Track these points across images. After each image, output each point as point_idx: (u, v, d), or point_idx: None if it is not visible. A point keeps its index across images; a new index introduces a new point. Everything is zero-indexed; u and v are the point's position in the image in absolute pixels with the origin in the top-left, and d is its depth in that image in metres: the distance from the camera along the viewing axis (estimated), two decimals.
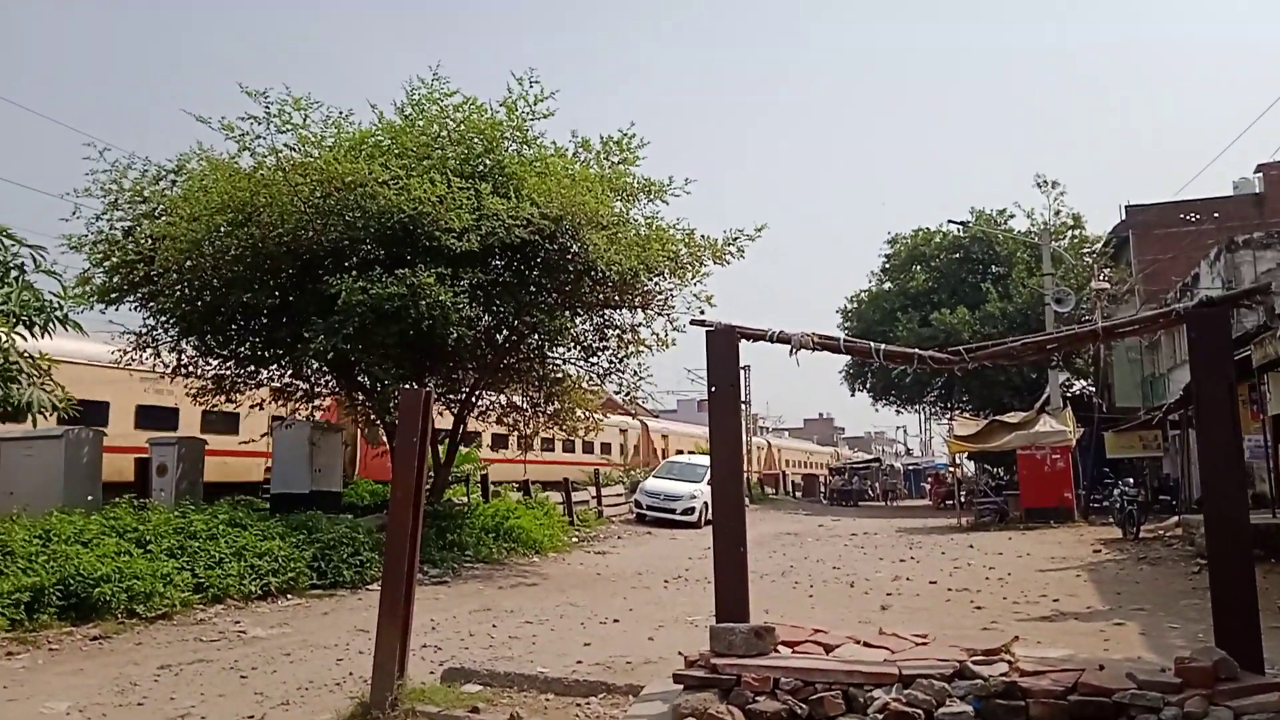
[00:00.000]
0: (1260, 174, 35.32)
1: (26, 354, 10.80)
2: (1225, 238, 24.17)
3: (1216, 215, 34.52)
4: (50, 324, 11.20)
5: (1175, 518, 20.08)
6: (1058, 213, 37.99)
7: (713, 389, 5.58)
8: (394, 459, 6.85)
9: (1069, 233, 38.99)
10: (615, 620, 10.42)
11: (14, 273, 11.06)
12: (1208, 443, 4.76)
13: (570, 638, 9.32)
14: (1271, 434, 17.55)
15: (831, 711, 4.60)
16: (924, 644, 5.26)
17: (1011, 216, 40.81)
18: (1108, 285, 32.35)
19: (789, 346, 5.64)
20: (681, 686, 4.98)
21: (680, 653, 5.75)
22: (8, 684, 7.51)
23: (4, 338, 10.43)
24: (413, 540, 6.37)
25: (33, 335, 10.96)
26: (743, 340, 5.73)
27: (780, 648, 5.15)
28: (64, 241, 16.06)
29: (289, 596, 12.05)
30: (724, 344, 5.60)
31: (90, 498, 13.59)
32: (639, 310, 17.76)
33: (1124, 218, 36.96)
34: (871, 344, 5.75)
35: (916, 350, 5.55)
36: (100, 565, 10.06)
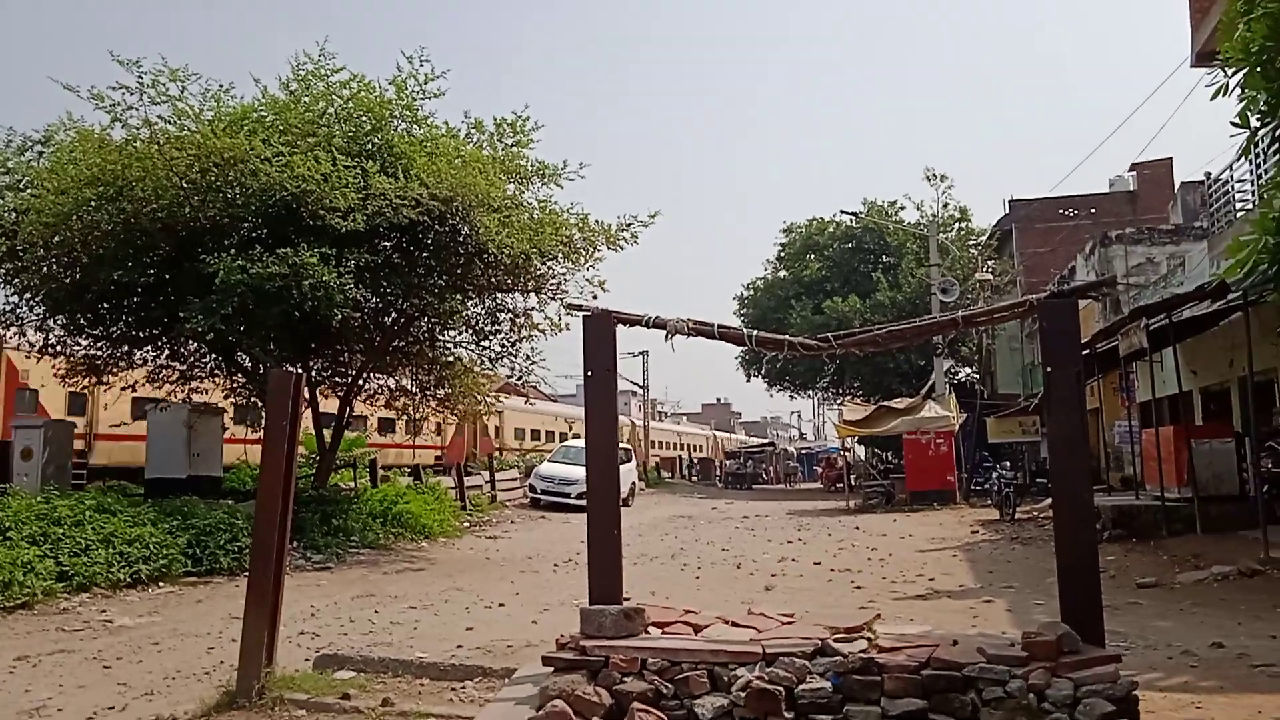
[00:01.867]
0: (1134, 173, 36.99)
1: None
2: (1100, 233, 25.26)
3: (1093, 210, 36.04)
4: None
5: (1049, 500, 20.99)
6: (945, 205, 39.18)
7: (589, 373, 5.56)
8: (263, 442, 6.66)
9: (956, 225, 40.23)
10: (501, 604, 10.38)
11: None
12: (1056, 426, 4.96)
13: (453, 622, 9.24)
14: (1139, 420, 18.47)
15: (696, 690, 4.66)
16: (790, 623, 5.37)
17: (902, 208, 41.91)
18: (991, 276, 33.54)
19: (665, 331, 5.67)
20: (552, 669, 4.98)
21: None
22: None
23: None
24: (282, 525, 6.22)
25: None
26: (620, 325, 5.73)
27: (650, 629, 5.18)
28: None
29: (161, 584, 11.64)
30: (600, 328, 5.59)
31: None
32: (531, 294, 17.65)
33: (1007, 211, 38.34)
34: (745, 330, 5.83)
35: (786, 337, 5.64)
36: None
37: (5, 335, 16.23)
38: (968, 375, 39.93)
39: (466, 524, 21.01)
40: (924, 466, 25.77)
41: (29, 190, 14.94)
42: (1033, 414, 26.60)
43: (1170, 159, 36.57)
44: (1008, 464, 23.06)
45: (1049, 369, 4.93)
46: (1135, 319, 14.48)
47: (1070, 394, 4.88)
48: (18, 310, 16.01)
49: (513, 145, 16.85)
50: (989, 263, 35.83)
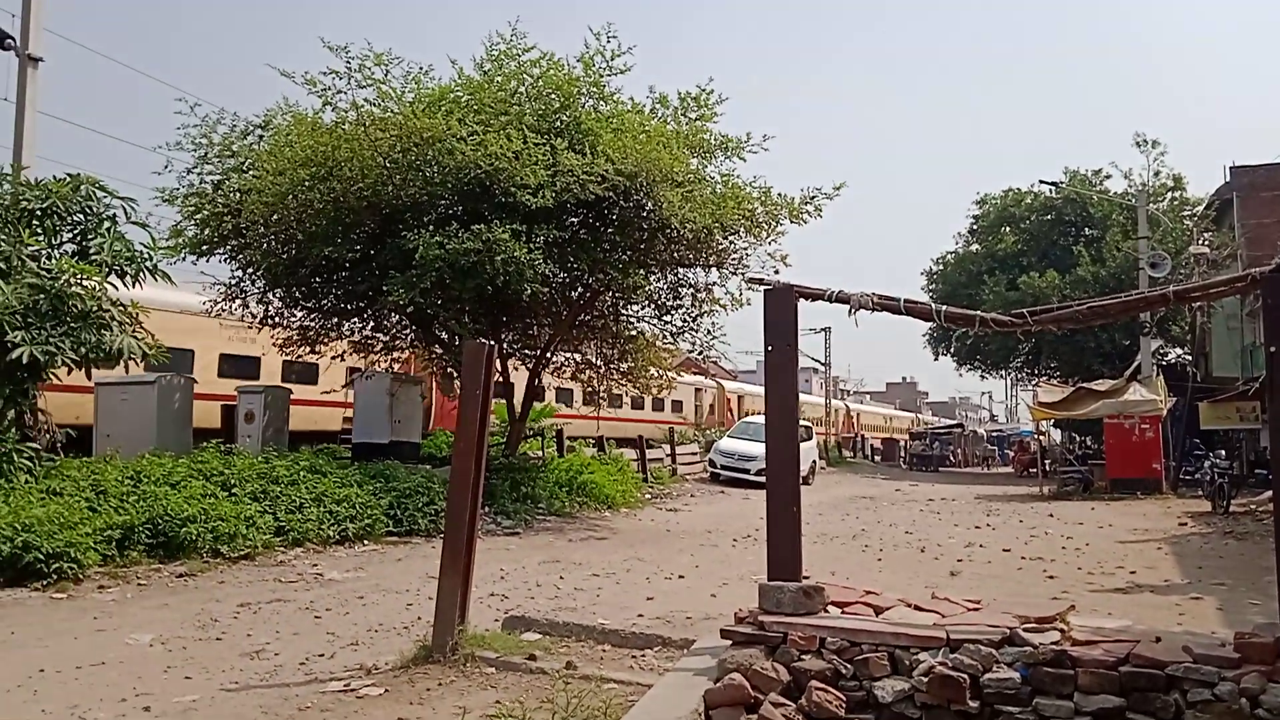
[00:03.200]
0: None
1: (119, 302, 11.26)
2: None
3: None
4: (141, 274, 11.69)
5: (1269, 493, 19.36)
6: (1157, 174, 36.49)
7: (769, 349, 5.53)
8: (459, 410, 6.98)
9: (1168, 195, 37.44)
10: (680, 576, 10.52)
11: (106, 224, 11.55)
12: (1279, 412, 4.58)
13: (634, 591, 9.44)
14: None
15: (876, 673, 4.59)
16: (976, 609, 5.20)
17: (1108, 177, 39.31)
18: (1207, 250, 31.00)
19: (848, 306, 5.56)
20: (730, 642, 5.02)
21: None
22: (98, 615, 7.95)
23: (96, 286, 10.90)
24: (474, 489, 6.51)
25: (124, 284, 11.44)
26: (802, 300, 5.66)
27: (830, 608, 5.14)
28: (157, 194, 16.67)
29: (365, 542, 12.45)
30: (781, 303, 5.54)
31: (181, 442, 14.17)
32: (713, 269, 17.70)
33: (1228, 179, 35.21)
34: (932, 305, 5.63)
35: (978, 313, 5.41)
36: (187, 506, 10.53)
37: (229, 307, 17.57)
38: (1178, 356, 37.20)
39: (648, 496, 21.38)
40: (1127, 453, 24.25)
41: (251, 172, 16.09)
42: (1252, 399, 24.49)
43: None
44: (1222, 452, 21.38)
45: (1273, 349, 4.54)
46: None
47: None
48: (241, 284, 17.36)
49: (696, 119, 16.87)
50: (1206, 235, 33.16)
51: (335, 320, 18.09)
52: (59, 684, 5.88)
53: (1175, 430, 26.18)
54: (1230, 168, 35.09)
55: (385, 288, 14.74)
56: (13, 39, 14.49)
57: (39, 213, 11.33)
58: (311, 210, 15.19)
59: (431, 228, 14.57)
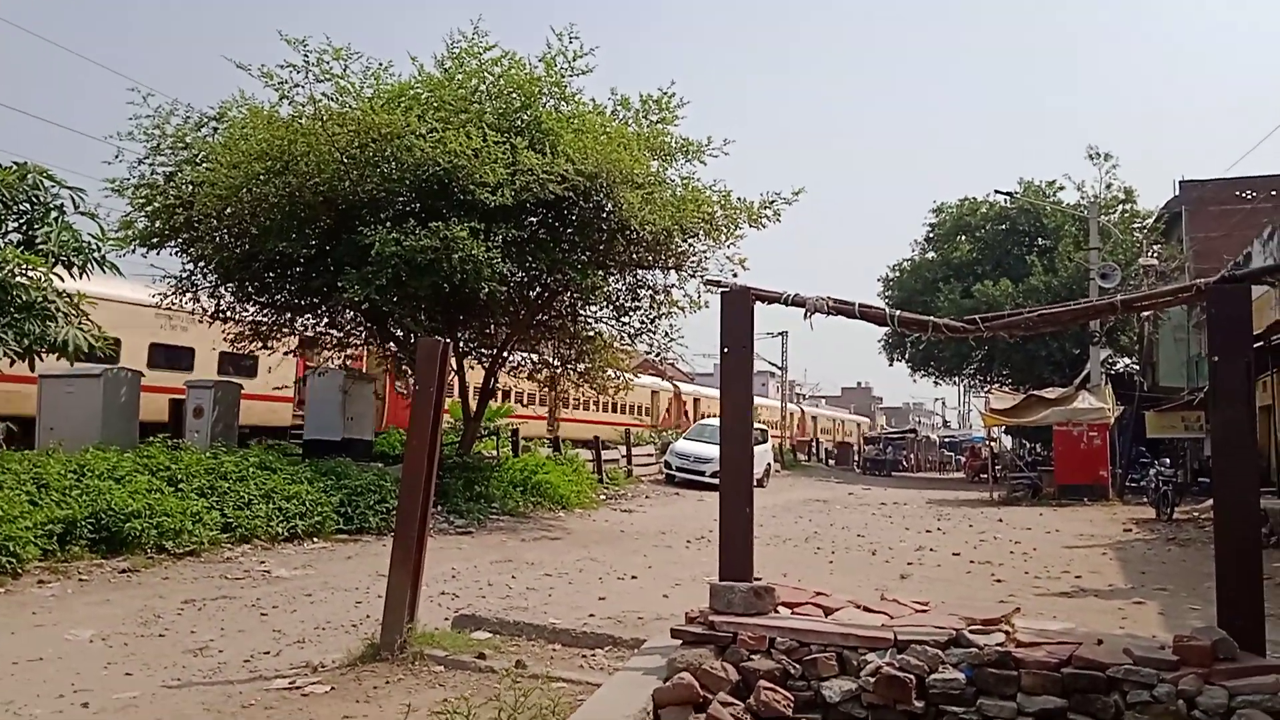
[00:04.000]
0: None
1: (64, 293, 11.01)
2: None
3: (1275, 193, 33.47)
4: (89, 265, 11.43)
5: (1211, 500, 19.80)
6: (1109, 186, 37.21)
7: (725, 351, 5.55)
8: (412, 408, 6.93)
9: (1119, 207, 38.19)
10: (633, 576, 10.52)
11: (54, 213, 11.28)
12: (1221, 421, 4.67)
13: (586, 591, 9.42)
14: None
15: (824, 673, 4.62)
16: (924, 611, 5.25)
17: (1061, 189, 40.02)
18: (1156, 262, 31.60)
19: (804, 310, 5.60)
20: (680, 642, 5.02)
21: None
22: (36, 610, 7.78)
23: (41, 277, 10.64)
24: (426, 487, 6.46)
25: (71, 276, 11.18)
26: (759, 303, 5.69)
27: (780, 608, 5.16)
28: (107, 185, 16.34)
29: (315, 540, 12.30)
30: (738, 306, 5.56)
31: (127, 436, 13.90)
32: (672, 271, 17.73)
33: (1177, 193, 36.01)
34: (887, 310, 5.69)
35: (932, 318, 5.48)
36: (132, 501, 10.32)
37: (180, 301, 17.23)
38: (1126, 366, 37.90)
39: (603, 497, 21.36)
40: (1075, 460, 24.66)
41: (205, 164, 15.79)
42: (1197, 409, 25.05)
43: None
44: (1167, 461, 21.83)
45: (1215, 359, 4.64)
46: None
47: (1238, 386, 4.59)
48: (192, 277, 17.06)
49: (658, 122, 16.88)
50: (1155, 247, 33.83)
51: (288, 316, 17.85)
52: None
53: (1122, 438, 26.68)
54: (1180, 182, 35.87)
55: (340, 284, 14.57)
56: None
57: None
58: (266, 204, 14.97)
59: (388, 224, 14.44)
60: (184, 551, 10.45)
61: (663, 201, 15.91)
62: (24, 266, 10.60)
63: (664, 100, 16.82)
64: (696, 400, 45.08)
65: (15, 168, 11.45)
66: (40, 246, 11.04)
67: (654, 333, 18.72)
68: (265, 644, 6.80)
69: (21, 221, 11.46)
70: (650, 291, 18.40)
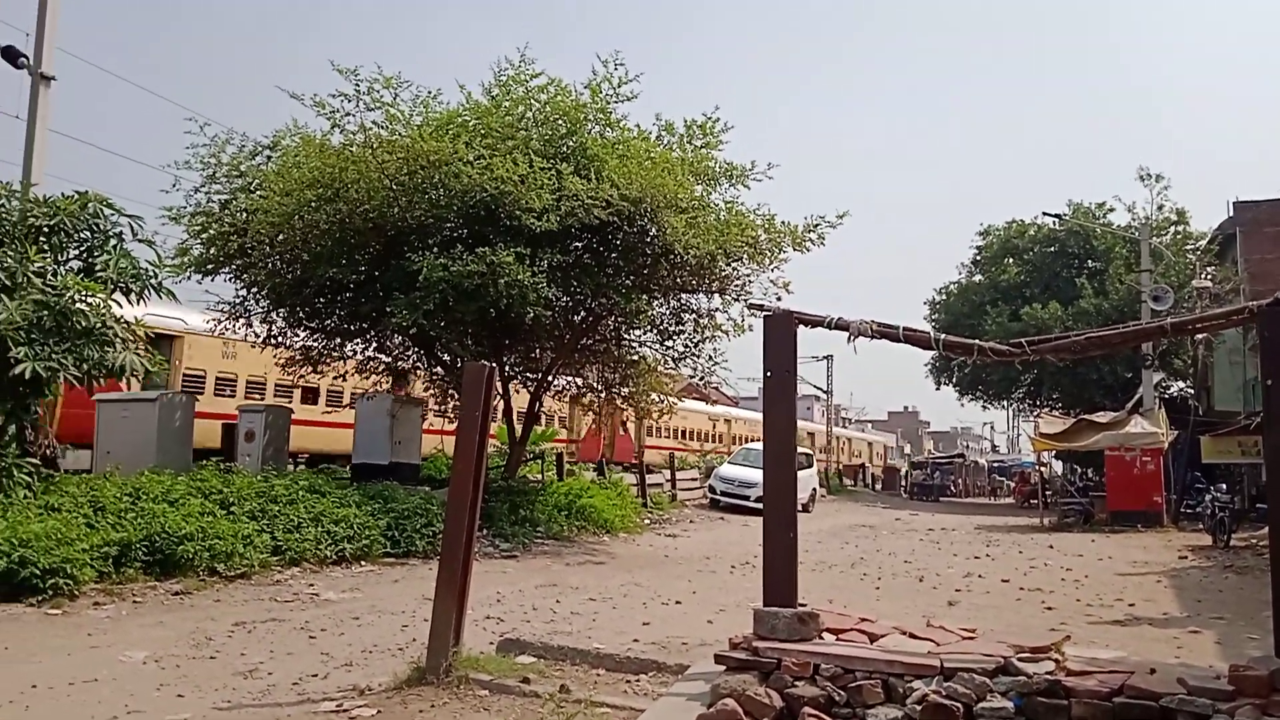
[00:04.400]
0: None
1: (122, 319, 11.29)
2: None
3: None
4: (146, 291, 11.74)
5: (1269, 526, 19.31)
6: (1160, 207, 36.69)
7: (768, 374, 5.56)
8: (458, 432, 7.00)
9: (1171, 228, 37.56)
10: (677, 602, 10.49)
11: (113, 241, 11.61)
12: (1276, 445, 4.59)
13: (631, 616, 9.42)
14: None
15: (870, 700, 4.59)
16: (971, 638, 5.19)
17: (1111, 210, 39.51)
18: (1211, 284, 31.04)
19: (847, 334, 5.59)
20: (724, 668, 5.01)
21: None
22: (92, 632, 7.95)
23: (100, 303, 10.93)
24: (471, 512, 6.51)
25: (129, 302, 11.48)
26: (802, 326, 5.70)
27: (825, 634, 5.13)
28: (164, 213, 16.75)
29: (362, 563, 12.43)
30: (781, 329, 5.58)
31: (181, 460, 14.18)
32: (715, 295, 17.75)
33: (1231, 214, 35.30)
34: (931, 333, 5.66)
35: (976, 341, 5.44)
36: (185, 524, 10.51)
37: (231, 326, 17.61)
38: (1180, 390, 37.16)
39: (647, 521, 21.33)
40: (1127, 485, 24.19)
41: (258, 192, 16.16)
42: (1254, 433, 24.40)
43: None
44: (1224, 486, 21.31)
45: (1269, 382, 4.56)
46: None
47: None
48: (245, 303, 17.41)
49: (702, 147, 16.98)
50: (1209, 269, 33.24)
51: (338, 341, 18.13)
52: (51, 700, 5.87)
53: (1177, 463, 26.12)
54: (1233, 203, 35.19)
55: (389, 309, 14.78)
56: (26, 57, 14.60)
57: (46, 230, 11.37)
58: (317, 231, 15.27)
59: (436, 250, 14.62)
60: (235, 574, 10.61)
61: (706, 226, 15.97)
62: (84, 293, 10.91)
63: (707, 125, 16.92)
64: (729, 421, 44.92)
65: (77, 196, 11.83)
66: (100, 274, 11.38)
67: (698, 356, 18.75)
68: (313, 667, 6.89)
69: (82, 249, 11.82)
70: (694, 315, 18.44)
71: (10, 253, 10.73)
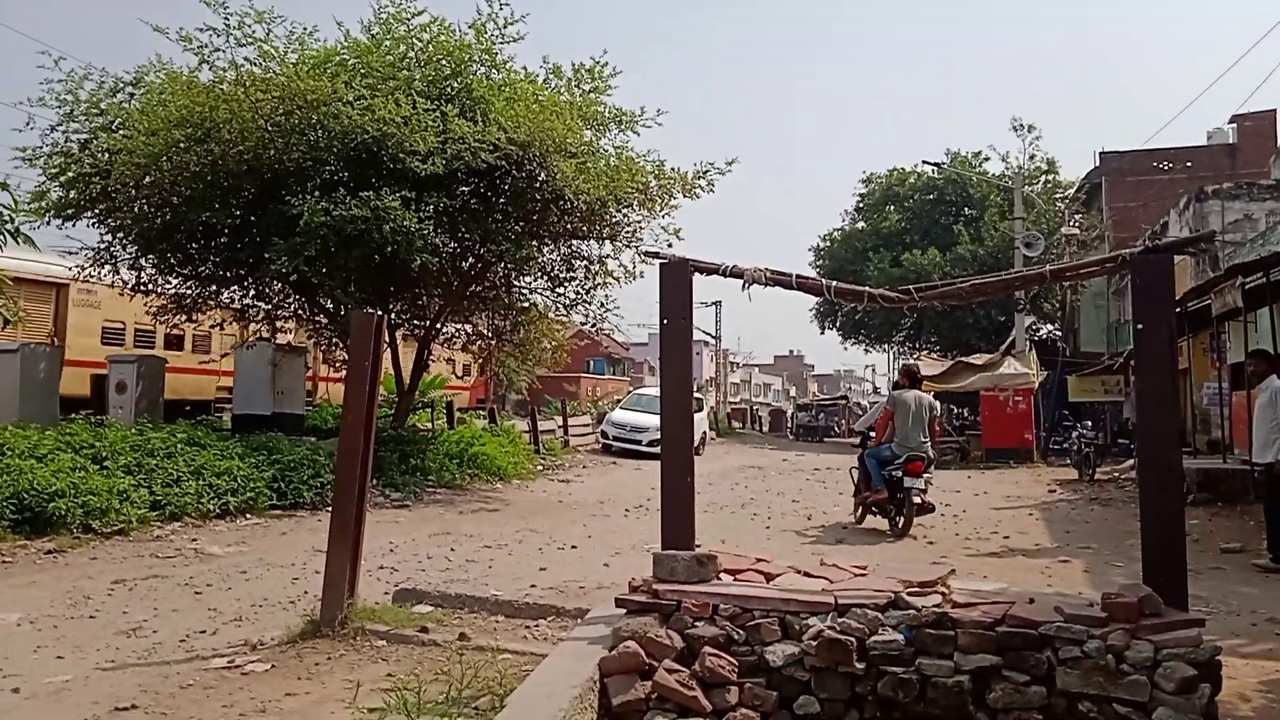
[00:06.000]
0: (1234, 125, 35.35)
1: None
2: (1195, 187, 24.28)
3: (1189, 164, 34.59)
4: (2, 237, 10.99)
5: (1131, 461, 20.49)
6: (1032, 157, 38.10)
7: (664, 321, 5.55)
8: (346, 382, 6.82)
9: (1043, 177, 39.09)
10: (573, 546, 10.53)
11: None
12: (1146, 385, 4.82)
13: (527, 563, 9.41)
14: (1229, 382, 17.87)
15: (768, 638, 4.69)
16: (863, 575, 5.35)
17: (986, 159, 40.85)
18: (1078, 231, 32.50)
19: (741, 281, 5.62)
20: (624, 610, 5.05)
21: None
22: None
23: None
24: (364, 462, 6.38)
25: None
26: (697, 274, 5.70)
27: (722, 575, 5.21)
28: (18, 154, 15.71)
29: (248, 516, 12.06)
30: (677, 276, 5.56)
31: (47, 413, 13.47)
32: (607, 241, 17.67)
33: (1097, 164, 37.00)
34: (823, 281, 5.74)
35: (866, 289, 5.54)
36: (55, 480, 10.00)
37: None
38: (1049, 332, 38.99)
39: (540, 467, 21.34)
40: (1001, 424, 25.34)
41: (121, 132, 15.26)
42: (1116, 373, 25.91)
43: (1274, 111, 34.74)
44: (1089, 424, 22.56)
45: (1140, 326, 4.78)
46: (1231, 277, 13.93)
47: (1162, 352, 4.73)
48: (111, 249, 16.51)
49: (590, 91, 16.74)
50: (1076, 217, 34.77)
51: (213, 288, 17.38)
52: None
53: (1046, 402, 27.48)
54: (1100, 153, 36.84)
55: (267, 255, 14.23)
56: None
57: None
58: (187, 173, 14.53)
59: (317, 194, 14.10)
60: (112, 531, 10.16)
61: (596, 171, 15.79)
62: None
63: (596, 69, 16.67)
64: None
65: None
66: None
67: (589, 303, 18.69)
68: (201, 623, 6.67)
69: None
70: (585, 262, 18.33)
71: None
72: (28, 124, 16.15)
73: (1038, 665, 4.39)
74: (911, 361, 20.63)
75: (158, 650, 5.98)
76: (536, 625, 6.45)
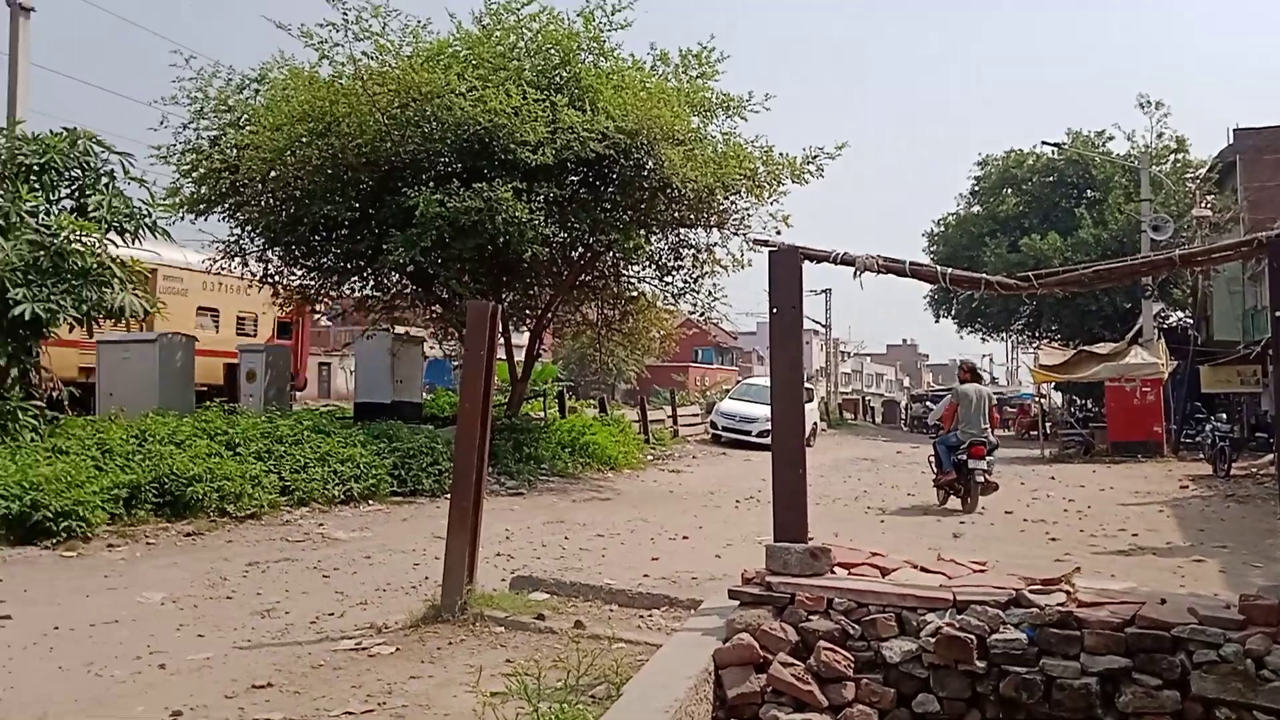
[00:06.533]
0: None
1: (119, 259, 11.18)
2: None
3: None
4: (140, 231, 11.62)
5: (1270, 456, 19.42)
6: (1160, 135, 36.29)
7: (774, 310, 5.49)
8: (463, 371, 6.97)
9: (1171, 157, 37.23)
10: (684, 537, 10.56)
11: (104, 180, 11.43)
12: None
13: (639, 552, 9.48)
14: None
15: (884, 633, 4.62)
16: (981, 571, 5.22)
17: (1110, 139, 39.07)
18: (1210, 213, 30.87)
19: (853, 268, 5.53)
20: (737, 602, 5.04)
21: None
22: (108, 574, 8.00)
23: (96, 243, 10.82)
24: (480, 450, 6.51)
25: (124, 242, 11.36)
26: (807, 262, 5.63)
27: (836, 569, 5.15)
28: (153, 152, 16.49)
29: (370, 502, 12.48)
30: (786, 265, 5.49)
31: (183, 401, 14.16)
32: (714, 229, 17.64)
33: (1231, 142, 35.00)
34: (938, 268, 5.59)
35: (984, 275, 5.38)
36: (193, 465, 10.55)
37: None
38: (1180, 319, 37.17)
39: (650, 457, 21.47)
40: (1128, 416, 24.30)
41: (248, 127, 15.86)
42: (1254, 362, 24.52)
43: None
44: (1223, 416, 21.45)
45: (1277, 313, 4.52)
46: None
47: None
48: (240, 242, 17.24)
49: (697, 77, 16.74)
50: (1208, 198, 33.01)
51: (334, 279, 17.99)
52: (73, 642, 5.92)
53: (1176, 393, 26.24)
54: (1234, 130, 34.85)
55: (385, 246, 14.65)
56: None
57: (36, 168, 11.19)
58: (309, 167, 15.02)
59: (431, 185, 14.42)
60: (245, 515, 10.67)
61: (704, 158, 15.78)
62: (78, 233, 10.79)
63: (703, 55, 16.65)
64: None
65: (66, 134, 11.63)
66: (93, 213, 11.23)
67: (697, 292, 18.71)
68: (329, 605, 6.93)
69: (74, 188, 11.66)
70: (693, 250, 18.37)
71: (2, 192, 10.57)
72: (162, 122, 16.91)
73: (1170, 669, 4.22)
74: (968, 358, 20.43)
75: (289, 631, 6.25)
76: (650, 615, 6.49)
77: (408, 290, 18.50)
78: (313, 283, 17.92)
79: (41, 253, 10.41)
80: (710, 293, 18.67)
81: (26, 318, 10.15)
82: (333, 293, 18.21)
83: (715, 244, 18.02)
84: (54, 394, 11.75)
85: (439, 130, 14.80)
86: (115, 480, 9.79)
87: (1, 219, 10.44)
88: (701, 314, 19.76)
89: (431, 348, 22.64)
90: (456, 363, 21.12)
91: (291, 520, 10.93)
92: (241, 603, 7.04)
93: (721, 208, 17.00)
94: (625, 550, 9.60)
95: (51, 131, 11.77)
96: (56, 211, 11.33)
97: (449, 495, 9.89)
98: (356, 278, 18.11)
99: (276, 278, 17.75)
